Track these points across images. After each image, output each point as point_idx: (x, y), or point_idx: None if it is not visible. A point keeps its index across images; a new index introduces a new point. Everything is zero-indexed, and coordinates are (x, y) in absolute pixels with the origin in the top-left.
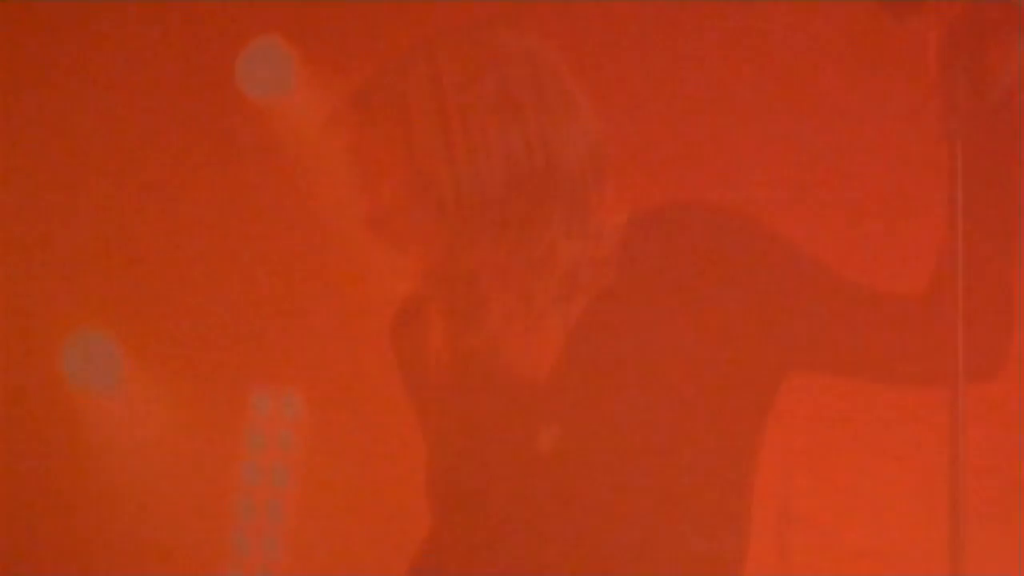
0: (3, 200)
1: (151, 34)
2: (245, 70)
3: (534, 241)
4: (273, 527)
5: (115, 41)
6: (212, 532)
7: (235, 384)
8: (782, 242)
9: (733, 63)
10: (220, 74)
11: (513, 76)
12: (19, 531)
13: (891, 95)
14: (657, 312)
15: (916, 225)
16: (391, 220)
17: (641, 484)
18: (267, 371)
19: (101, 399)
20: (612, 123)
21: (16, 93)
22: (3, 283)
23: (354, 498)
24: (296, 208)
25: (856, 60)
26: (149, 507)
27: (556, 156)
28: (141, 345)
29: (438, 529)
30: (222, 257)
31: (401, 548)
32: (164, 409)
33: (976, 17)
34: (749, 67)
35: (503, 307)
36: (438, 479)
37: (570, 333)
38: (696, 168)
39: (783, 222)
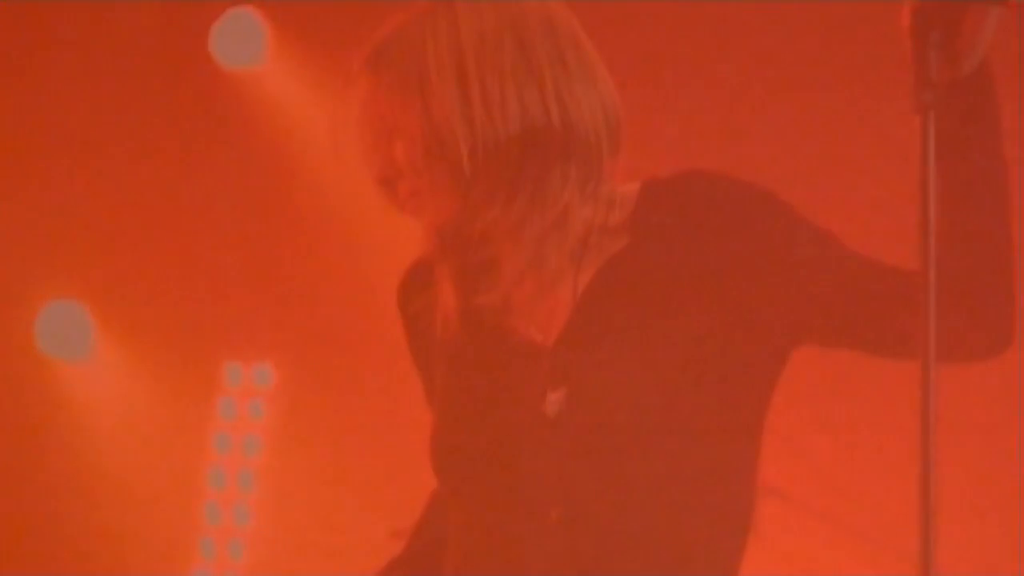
0: None
1: (124, 5)
2: (219, 40)
3: (549, 203)
4: (245, 498)
5: (86, 14)
6: (183, 502)
7: (207, 354)
8: (795, 214)
9: (731, 56)
10: (194, 44)
11: (533, 38)
12: None
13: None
14: (665, 280)
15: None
16: (402, 178)
17: (648, 448)
18: (239, 342)
19: (73, 368)
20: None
21: None
22: None
23: (326, 469)
24: (270, 180)
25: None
26: (121, 477)
27: (573, 120)
28: (113, 315)
29: (443, 491)
30: (194, 227)
31: (371, 517)
32: (136, 379)
33: None
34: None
35: (515, 269)
36: (444, 441)
37: (579, 298)
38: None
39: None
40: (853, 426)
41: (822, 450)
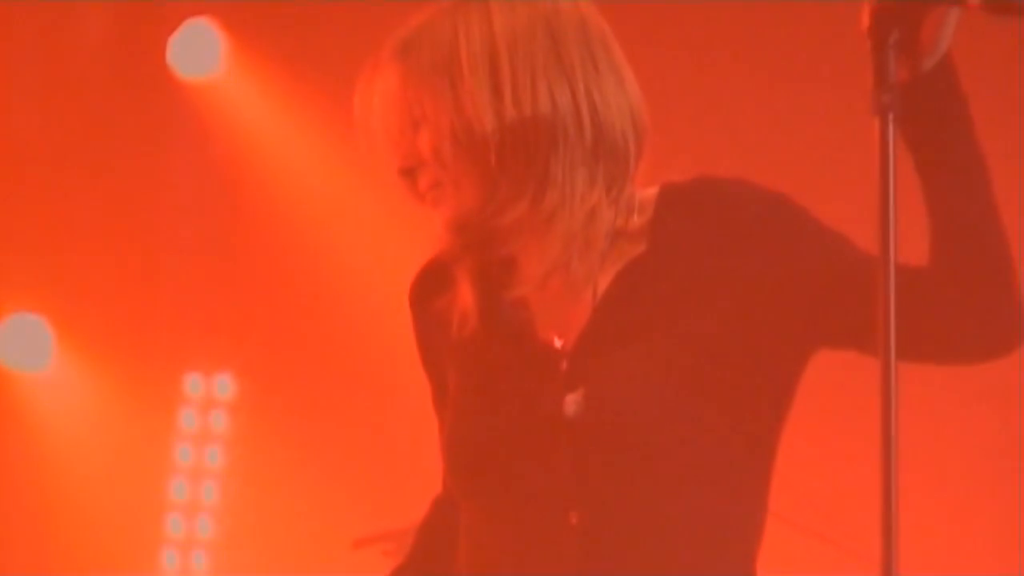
0: None
1: (80, 14)
2: (176, 50)
3: (578, 203)
4: (207, 508)
5: (42, 22)
6: (146, 513)
7: (167, 366)
8: (809, 218)
9: (726, 60)
10: (151, 54)
11: (565, 37)
12: None
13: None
14: (684, 286)
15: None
16: (425, 168)
17: (666, 451)
18: (199, 353)
19: (34, 380)
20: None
21: None
22: None
23: (288, 479)
24: (228, 190)
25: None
26: (83, 488)
27: (602, 121)
28: (73, 327)
29: (457, 493)
30: (152, 239)
31: (334, 526)
32: (96, 390)
33: None
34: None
35: (540, 268)
36: (460, 442)
37: (599, 301)
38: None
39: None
40: (817, 427)
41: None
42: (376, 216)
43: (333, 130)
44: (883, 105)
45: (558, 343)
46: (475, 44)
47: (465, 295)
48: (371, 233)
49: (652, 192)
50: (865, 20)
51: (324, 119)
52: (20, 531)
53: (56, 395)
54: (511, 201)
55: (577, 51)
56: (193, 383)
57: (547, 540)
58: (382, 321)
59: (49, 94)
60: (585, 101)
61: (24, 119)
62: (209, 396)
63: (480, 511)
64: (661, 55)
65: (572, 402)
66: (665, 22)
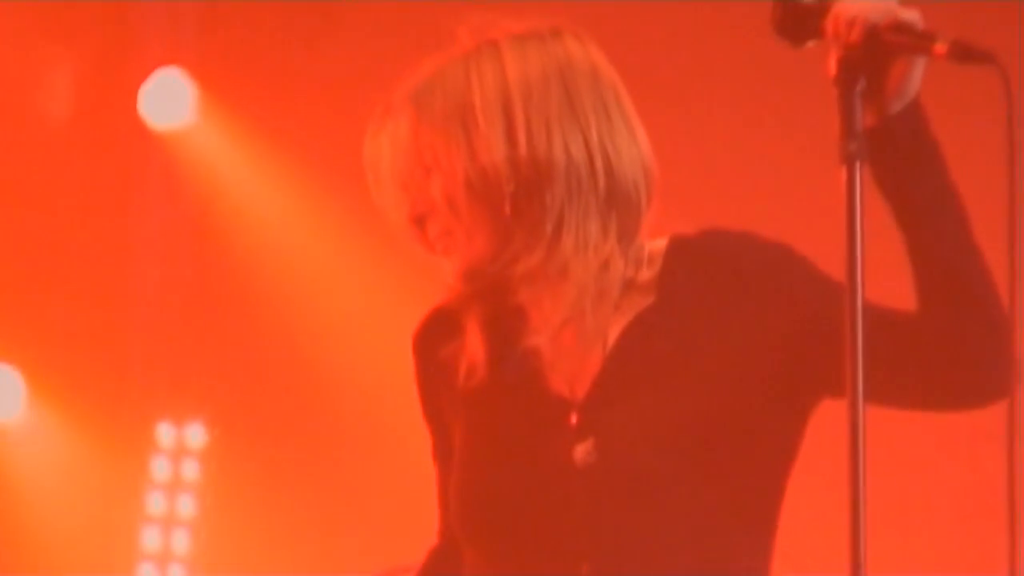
0: None
1: (52, 64)
2: (148, 101)
3: (591, 253)
4: (180, 557)
5: (13, 71)
6: (118, 562)
7: (139, 414)
8: (814, 270)
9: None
10: (123, 104)
11: (579, 86)
12: None
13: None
14: (692, 337)
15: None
16: (436, 216)
17: (677, 500)
18: (170, 401)
19: (4, 429)
20: None
21: None
22: None
23: (260, 528)
24: (199, 239)
25: None
26: (54, 537)
27: (615, 171)
28: (44, 376)
29: (466, 544)
30: (123, 288)
31: (309, 572)
32: (67, 439)
33: (875, 39)
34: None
35: (554, 319)
36: (470, 493)
37: (608, 352)
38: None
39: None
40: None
41: None
42: (348, 265)
43: (305, 180)
44: (850, 153)
45: (567, 394)
46: (489, 92)
47: (474, 345)
48: (343, 282)
49: (661, 244)
50: (832, 68)
51: (296, 169)
52: None
53: (27, 444)
54: (526, 250)
55: (590, 100)
56: (165, 432)
57: None
58: (355, 370)
59: (18, 143)
60: (599, 151)
61: None
62: (181, 445)
63: (489, 561)
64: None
65: (583, 452)
66: (659, 78)
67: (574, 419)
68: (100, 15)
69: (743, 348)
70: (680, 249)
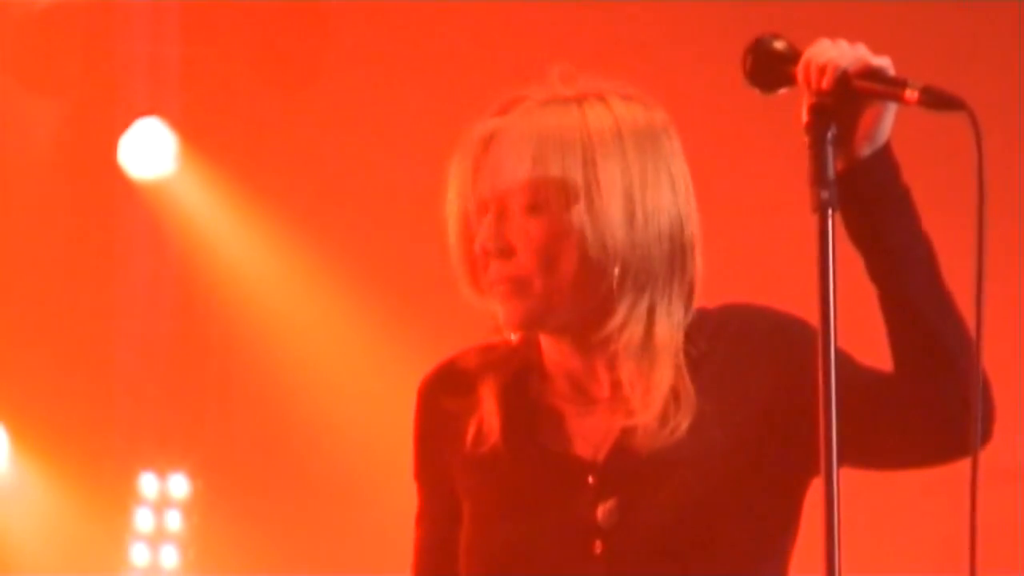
0: None
1: (30, 112)
2: (127, 149)
3: (677, 332)
4: None
5: None
6: None
7: (121, 465)
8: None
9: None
10: (102, 153)
11: (676, 159)
12: None
13: None
14: (710, 403)
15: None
16: (519, 261)
17: (697, 558)
18: (153, 452)
19: None
20: None
21: None
22: None
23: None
24: (179, 287)
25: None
26: None
27: (694, 246)
28: (27, 428)
29: None
30: (104, 338)
31: None
32: (52, 490)
33: (846, 85)
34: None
35: (639, 392)
36: (485, 552)
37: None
38: None
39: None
40: None
41: None
42: (331, 316)
43: (286, 230)
44: (823, 202)
45: (590, 455)
46: (610, 158)
47: (490, 408)
48: (326, 333)
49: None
50: (804, 116)
51: (277, 218)
52: None
53: (10, 496)
54: (629, 324)
55: (680, 173)
56: (148, 482)
57: None
58: (339, 420)
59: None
60: (689, 228)
61: None
62: (164, 495)
63: None
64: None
65: (605, 512)
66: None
67: (591, 480)
68: (82, 65)
69: (758, 414)
70: (701, 322)
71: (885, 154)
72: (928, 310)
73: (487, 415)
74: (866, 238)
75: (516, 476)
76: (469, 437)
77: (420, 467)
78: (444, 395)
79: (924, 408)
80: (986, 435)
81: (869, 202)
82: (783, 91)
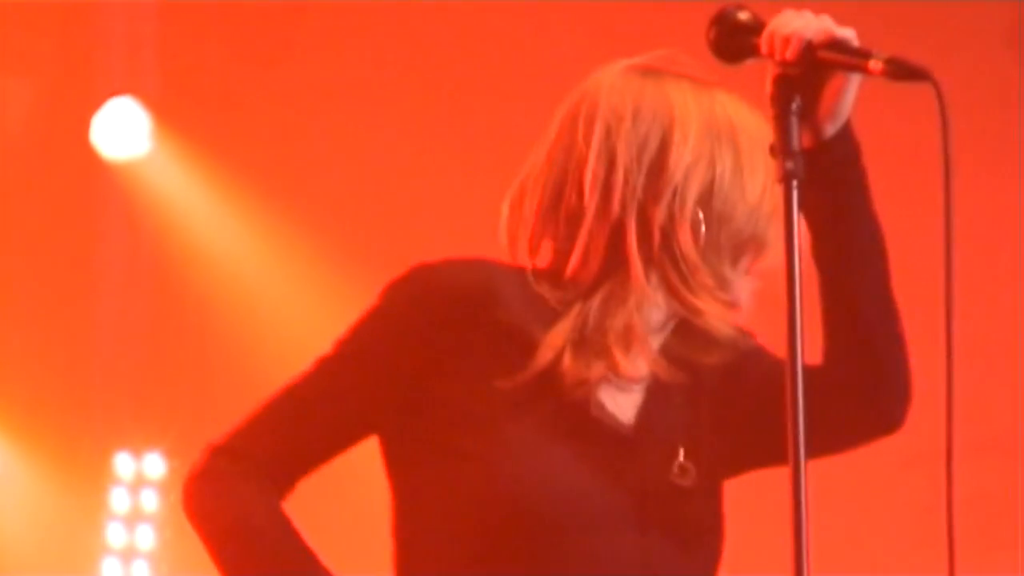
0: None
1: (6, 90)
2: (100, 130)
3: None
4: None
5: None
6: None
7: (96, 445)
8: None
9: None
10: (75, 133)
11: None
12: None
13: None
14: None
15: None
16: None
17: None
18: (128, 431)
19: None
20: None
21: None
22: None
23: None
24: (153, 268)
25: None
26: (13, 571)
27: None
28: (2, 409)
29: (488, 553)
30: (77, 318)
31: None
32: (27, 471)
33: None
34: None
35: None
36: (527, 496)
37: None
38: None
39: None
40: None
41: None
42: (307, 294)
43: (262, 209)
44: (787, 172)
45: (620, 423)
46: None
47: (557, 335)
48: (302, 311)
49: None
50: (768, 87)
51: (253, 197)
52: None
53: None
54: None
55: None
56: (123, 462)
57: None
58: None
59: None
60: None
61: None
62: (140, 475)
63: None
64: None
65: (681, 467)
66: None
67: (632, 445)
68: (56, 44)
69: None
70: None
71: (847, 133)
72: (868, 303)
73: (552, 340)
74: (816, 213)
75: (557, 425)
76: (509, 353)
77: (396, 347)
78: (501, 303)
79: (851, 391)
80: (905, 399)
81: (827, 180)
82: (748, 62)
